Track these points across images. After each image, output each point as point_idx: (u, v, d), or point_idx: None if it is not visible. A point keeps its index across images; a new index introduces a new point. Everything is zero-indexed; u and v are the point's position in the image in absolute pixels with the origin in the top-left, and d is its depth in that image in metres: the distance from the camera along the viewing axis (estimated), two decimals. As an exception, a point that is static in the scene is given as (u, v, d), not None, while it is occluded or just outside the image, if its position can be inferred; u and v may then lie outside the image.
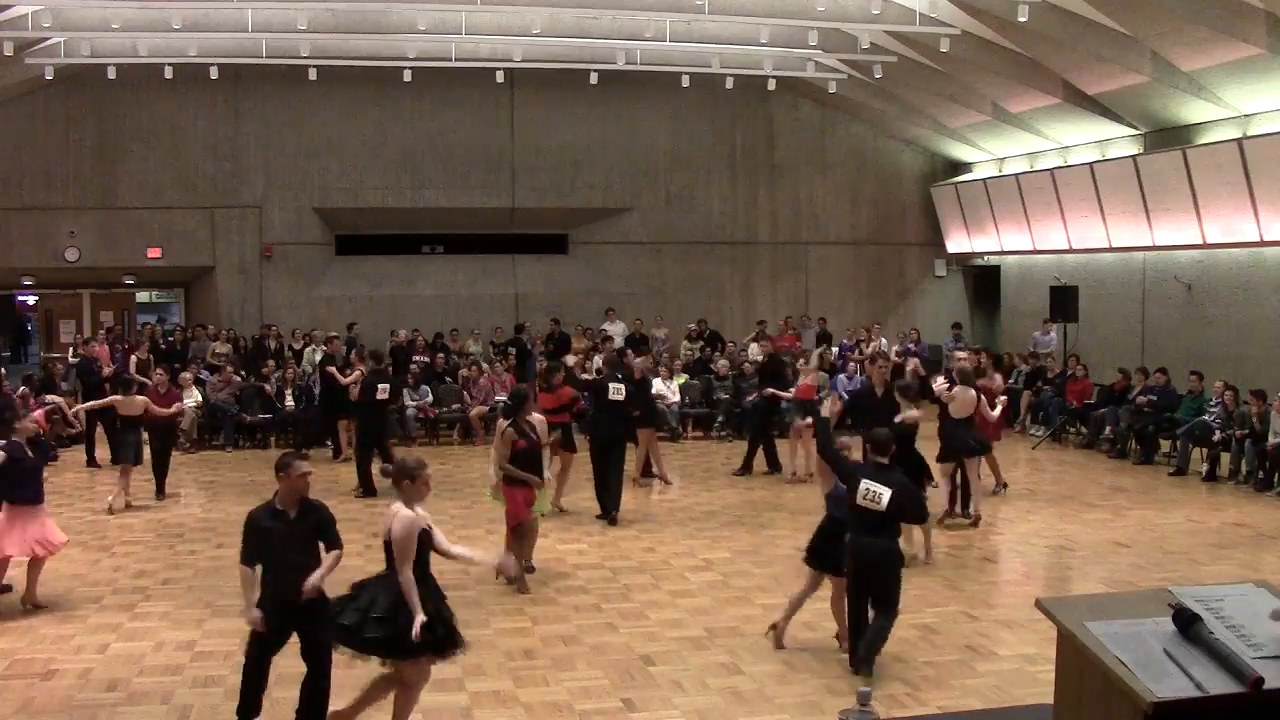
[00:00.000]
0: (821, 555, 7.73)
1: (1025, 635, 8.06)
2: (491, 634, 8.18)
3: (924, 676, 7.32)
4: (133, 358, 17.72)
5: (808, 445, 14.18)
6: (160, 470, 13.14)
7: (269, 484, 14.46)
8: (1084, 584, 9.89)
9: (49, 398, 14.84)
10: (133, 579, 9.65)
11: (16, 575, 9.39)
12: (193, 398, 16.83)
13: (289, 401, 17.31)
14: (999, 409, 12.77)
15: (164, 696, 7.01)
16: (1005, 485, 13.49)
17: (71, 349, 19.15)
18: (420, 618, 5.72)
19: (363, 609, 5.84)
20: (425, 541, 5.96)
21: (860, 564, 7.29)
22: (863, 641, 7.22)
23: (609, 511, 11.95)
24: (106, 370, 17.84)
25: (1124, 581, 9.66)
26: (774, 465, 14.77)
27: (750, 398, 16.89)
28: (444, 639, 5.95)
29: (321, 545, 6.24)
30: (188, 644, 8.01)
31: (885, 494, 7.16)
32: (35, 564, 8.85)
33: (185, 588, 9.46)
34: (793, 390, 14.24)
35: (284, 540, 6.04)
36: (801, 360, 15.24)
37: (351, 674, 6.39)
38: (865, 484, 7.23)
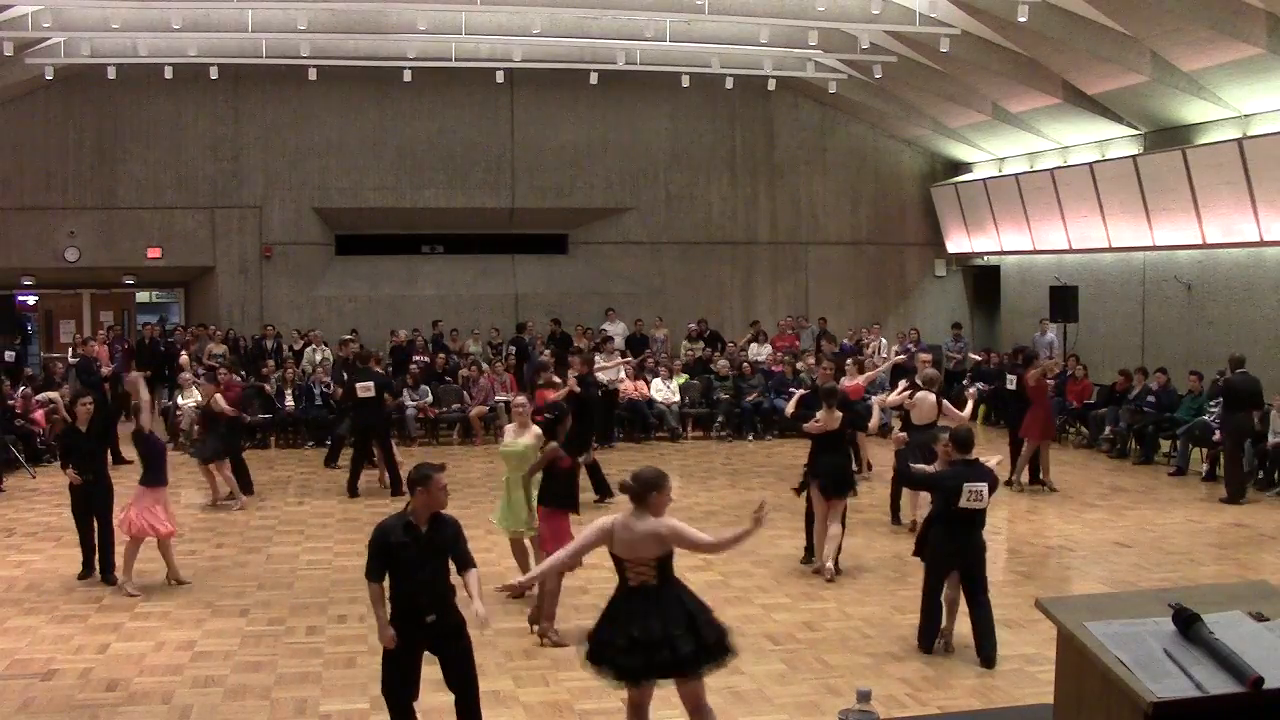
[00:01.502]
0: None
1: (1025, 635, 8.06)
2: (491, 634, 8.16)
3: (924, 676, 7.33)
4: (184, 355, 17.94)
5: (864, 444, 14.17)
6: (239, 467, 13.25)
7: (269, 484, 14.58)
8: (1084, 584, 9.89)
9: (44, 395, 14.88)
10: (133, 578, 9.63)
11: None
12: (191, 398, 16.84)
13: (289, 401, 17.32)
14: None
15: (164, 696, 7.01)
16: (1022, 484, 13.57)
17: (70, 349, 19.16)
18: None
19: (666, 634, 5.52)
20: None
21: (968, 560, 7.68)
22: (984, 638, 7.60)
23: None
24: (106, 370, 17.88)
25: (1124, 581, 9.66)
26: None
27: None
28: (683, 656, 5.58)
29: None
30: (188, 644, 8.01)
31: (985, 488, 7.58)
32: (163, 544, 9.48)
33: (185, 588, 9.46)
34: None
35: (416, 556, 5.71)
36: (850, 361, 15.21)
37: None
38: (968, 486, 7.52)
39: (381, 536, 5.70)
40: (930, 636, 7.79)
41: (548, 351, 17.26)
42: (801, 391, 11.45)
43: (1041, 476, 13.75)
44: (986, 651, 7.53)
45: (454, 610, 5.84)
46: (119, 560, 9.46)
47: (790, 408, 11.05)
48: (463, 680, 5.88)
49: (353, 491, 13.29)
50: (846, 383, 14.09)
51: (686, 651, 5.54)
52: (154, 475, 9.40)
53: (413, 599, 5.71)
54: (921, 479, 7.97)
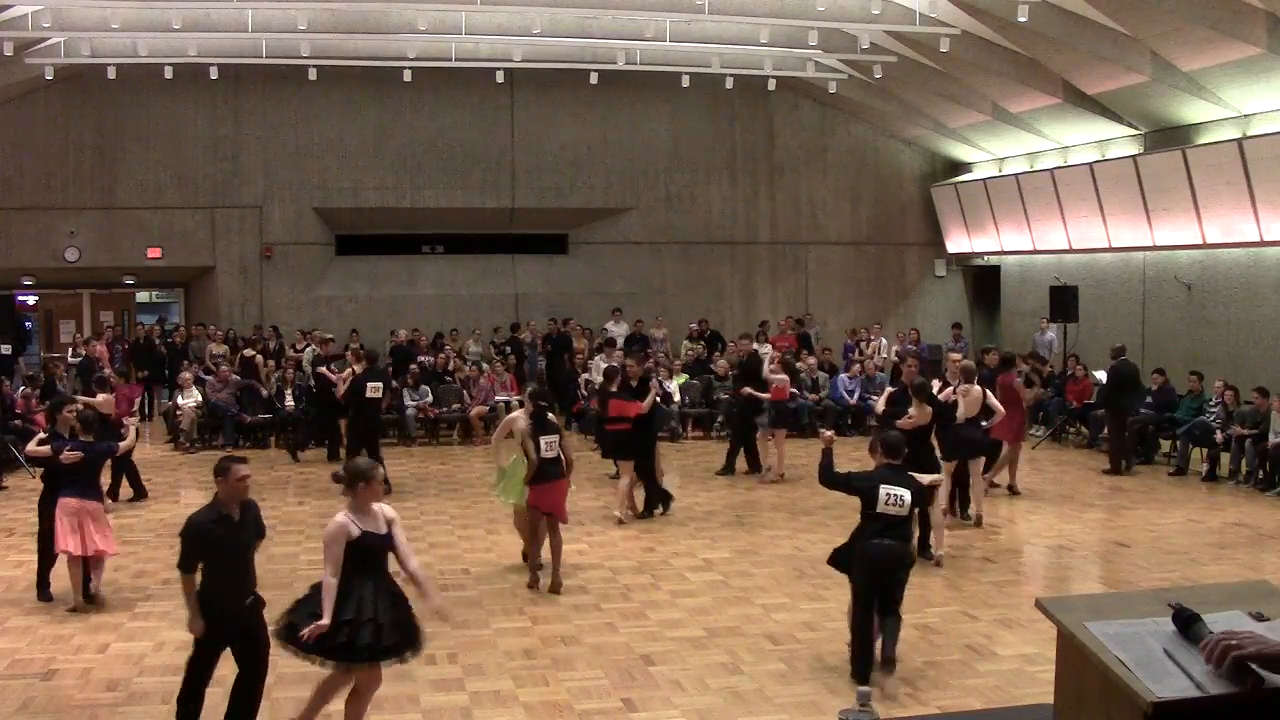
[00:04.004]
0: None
1: (1025, 635, 8.06)
2: (491, 634, 8.18)
3: (924, 676, 7.32)
4: (228, 347, 18.02)
5: (780, 445, 14.21)
6: (130, 470, 13.02)
7: (268, 484, 14.58)
8: (1084, 584, 9.89)
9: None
10: (133, 579, 9.64)
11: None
12: (193, 398, 16.87)
13: (289, 401, 17.31)
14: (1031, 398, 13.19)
15: (164, 696, 7.00)
16: (1012, 489, 13.42)
17: (71, 349, 19.15)
18: (324, 621, 5.70)
19: (313, 613, 5.80)
20: (367, 546, 5.90)
21: (883, 568, 7.13)
22: (887, 644, 7.14)
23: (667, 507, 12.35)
24: (107, 370, 17.89)
25: (1124, 581, 9.66)
26: (754, 465, 14.63)
27: (724, 396, 17.12)
28: (379, 645, 5.81)
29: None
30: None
31: (907, 495, 7.17)
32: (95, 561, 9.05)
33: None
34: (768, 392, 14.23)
35: (228, 544, 5.98)
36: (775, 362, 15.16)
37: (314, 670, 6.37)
38: (885, 490, 7.15)
39: (195, 528, 5.90)
40: (866, 665, 7.04)
41: (620, 353, 16.68)
42: (890, 389, 11.49)
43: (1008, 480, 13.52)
44: (887, 653, 7.13)
45: (257, 595, 6.13)
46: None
47: (880, 405, 11.02)
48: (260, 662, 6.13)
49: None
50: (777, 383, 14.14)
51: (390, 640, 5.85)
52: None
53: (230, 585, 5.97)
54: (838, 480, 7.53)
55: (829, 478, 7.49)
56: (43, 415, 15.66)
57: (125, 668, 7.50)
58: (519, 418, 9.71)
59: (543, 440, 9.23)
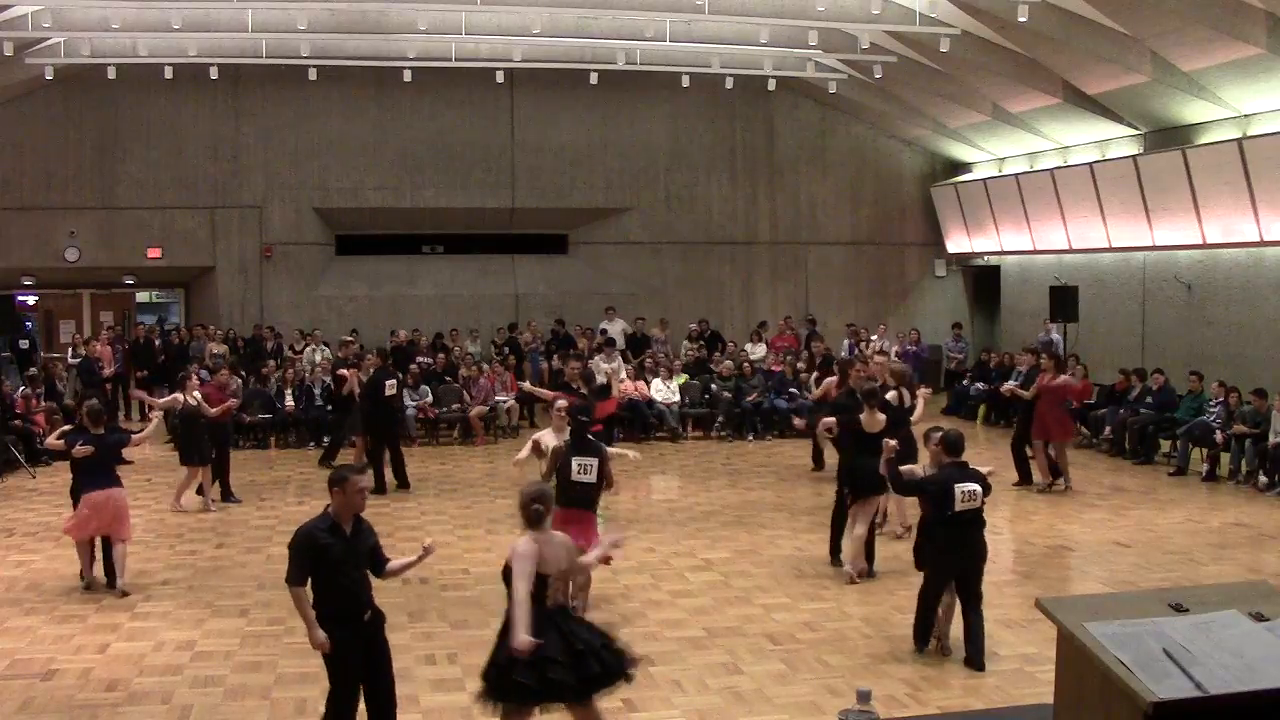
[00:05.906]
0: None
1: (1025, 635, 8.07)
2: (491, 634, 8.14)
3: (924, 676, 7.33)
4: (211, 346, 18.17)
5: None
6: (221, 470, 13.02)
7: (269, 484, 14.57)
8: (1084, 584, 9.88)
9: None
10: (133, 579, 9.62)
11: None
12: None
13: (289, 401, 17.30)
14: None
15: (164, 696, 7.01)
16: (1054, 483, 13.48)
17: (71, 349, 19.15)
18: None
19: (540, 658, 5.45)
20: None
21: (972, 562, 7.61)
22: (974, 646, 7.52)
23: None
24: (107, 370, 17.90)
25: (1124, 581, 9.66)
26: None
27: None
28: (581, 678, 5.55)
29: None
30: (188, 644, 8.01)
31: (978, 488, 7.50)
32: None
33: (185, 588, 9.46)
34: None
35: (344, 556, 5.71)
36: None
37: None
38: (960, 488, 7.43)
39: (307, 538, 5.69)
40: (925, 637, 7.77)
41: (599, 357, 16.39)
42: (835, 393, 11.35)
43: (1054, 476, 13.59)
44: (975, 658, 7.48)
45: (377, 609, 5.91)
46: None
47: (829, 422, 10.69)
48: (387, 678, 5.87)
49: (391, 485, 13.30)
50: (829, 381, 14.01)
51: (602, 668, 5.62)
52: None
53: (347, 599, 5.73)
54: (911, 485, 7.79)
55: (901, 485, 7.95)
56: (42, 415, 15.74)
57: (125, 668, 7.50)
58: (546, 436, 9.12)
59: (575, 462, 8.18)
